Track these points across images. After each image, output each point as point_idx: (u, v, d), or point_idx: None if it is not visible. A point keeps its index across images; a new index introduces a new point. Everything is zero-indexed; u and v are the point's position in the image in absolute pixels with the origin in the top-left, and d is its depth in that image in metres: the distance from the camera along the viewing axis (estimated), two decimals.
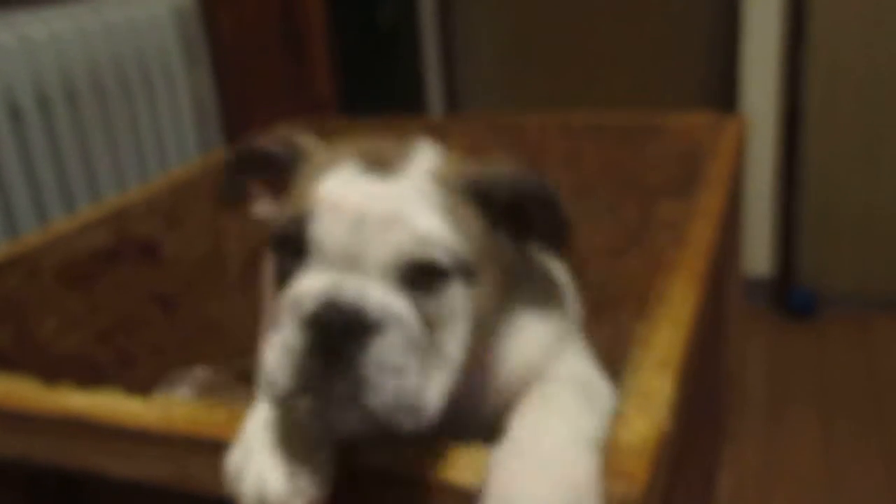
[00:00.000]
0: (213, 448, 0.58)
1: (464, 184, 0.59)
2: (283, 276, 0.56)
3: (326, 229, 0.54)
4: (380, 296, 0.52)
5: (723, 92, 2.40)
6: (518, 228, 0.64)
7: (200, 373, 1.22)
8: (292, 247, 0.56)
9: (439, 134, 1.54)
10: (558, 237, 0.64)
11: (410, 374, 0.52)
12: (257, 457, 0.55)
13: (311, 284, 0.53)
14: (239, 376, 1.19)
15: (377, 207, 0.55)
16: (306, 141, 0.65)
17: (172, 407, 0.62)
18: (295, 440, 0.55)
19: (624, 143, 1.44)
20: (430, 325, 0.55)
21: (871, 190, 2.35)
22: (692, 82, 2.49)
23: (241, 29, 2.10)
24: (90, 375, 1.09)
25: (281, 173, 0.64)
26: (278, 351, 0.52)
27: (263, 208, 0.68)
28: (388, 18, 2.64)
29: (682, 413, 0.64)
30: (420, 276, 0.55)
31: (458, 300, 0.57)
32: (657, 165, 1.42)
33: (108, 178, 1.56)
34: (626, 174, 1.43)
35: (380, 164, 0.58)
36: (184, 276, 1.30)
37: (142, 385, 1.14)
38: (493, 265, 0.61)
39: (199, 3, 1.84)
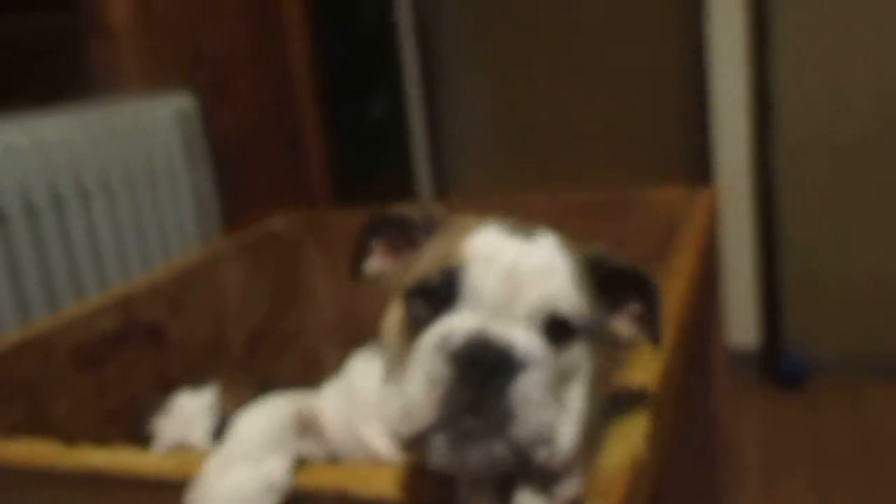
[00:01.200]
0: None
1: (581, 258, 0.66)
2: (419, 323, 0.60)
3: (482, 277, 0.59)
4: (526, 338, 0.57)
5: (700, 166, 2.51)
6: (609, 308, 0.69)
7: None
8: (436, 295, 0.60)
9: None
10: (653, 329, 0.69)
11: (550, 410, 0.56)
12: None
13: (460, 324, 0.57)
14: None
15: (530, 261, 0.61)
16: (439, 210, 0.71)
17: (189, 458, 0.67)
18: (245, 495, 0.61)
19: (606, 217, 1.51)
20: (557, 377, 0.59)
21: (850, 254, 2.40)
22: (675, 158, 2.61)
23: (239, 128, 2.21)
24: None
25: (409, 235, 0.71)
26: (420, 384, 0.56)
27: (377, 265, 0.73)
28: (378, 113, 2.78)
29: (658, 450, 0.69)
30: (554, 330, 0.59)
31: (581, 357, 0.61)
32: (637, 236, 1.49)
33: (116, 267, 1.63)
34: (608, 245, 1.50)
35: (517, 230, 0.64)
36: (187, 359, 1.35)
37: None
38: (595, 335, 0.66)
39: (199, 106, 1.96)
